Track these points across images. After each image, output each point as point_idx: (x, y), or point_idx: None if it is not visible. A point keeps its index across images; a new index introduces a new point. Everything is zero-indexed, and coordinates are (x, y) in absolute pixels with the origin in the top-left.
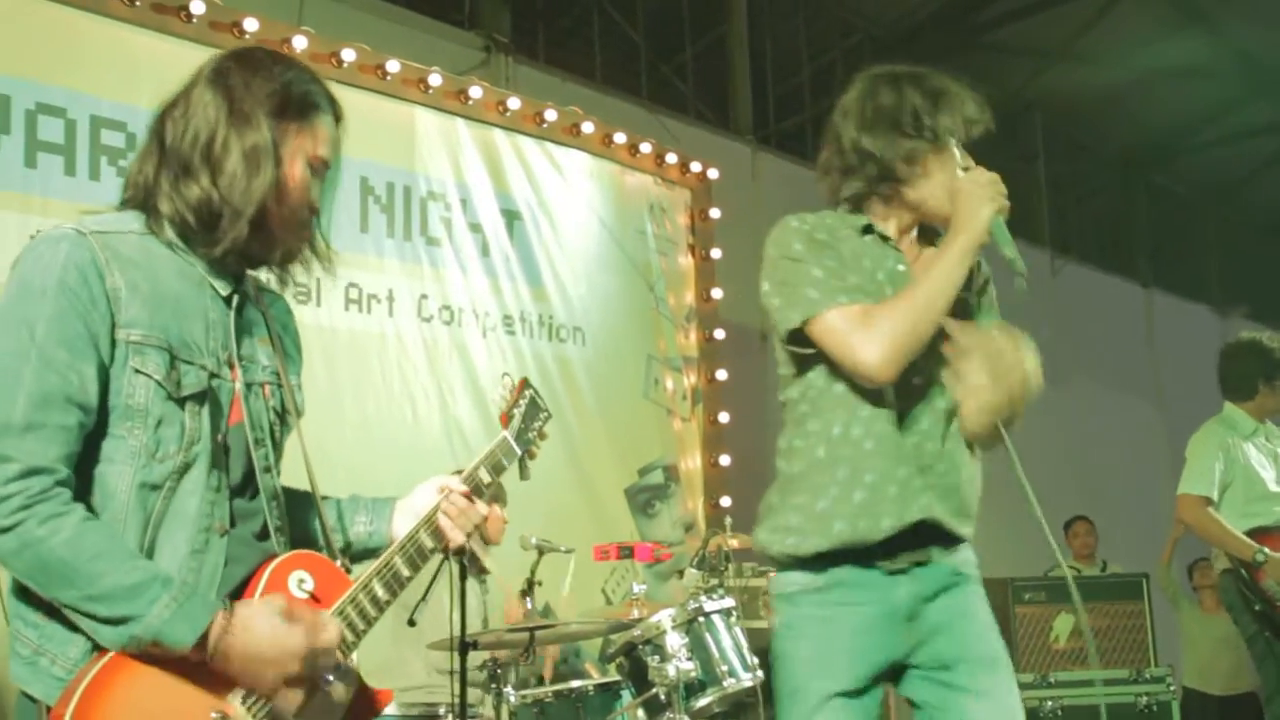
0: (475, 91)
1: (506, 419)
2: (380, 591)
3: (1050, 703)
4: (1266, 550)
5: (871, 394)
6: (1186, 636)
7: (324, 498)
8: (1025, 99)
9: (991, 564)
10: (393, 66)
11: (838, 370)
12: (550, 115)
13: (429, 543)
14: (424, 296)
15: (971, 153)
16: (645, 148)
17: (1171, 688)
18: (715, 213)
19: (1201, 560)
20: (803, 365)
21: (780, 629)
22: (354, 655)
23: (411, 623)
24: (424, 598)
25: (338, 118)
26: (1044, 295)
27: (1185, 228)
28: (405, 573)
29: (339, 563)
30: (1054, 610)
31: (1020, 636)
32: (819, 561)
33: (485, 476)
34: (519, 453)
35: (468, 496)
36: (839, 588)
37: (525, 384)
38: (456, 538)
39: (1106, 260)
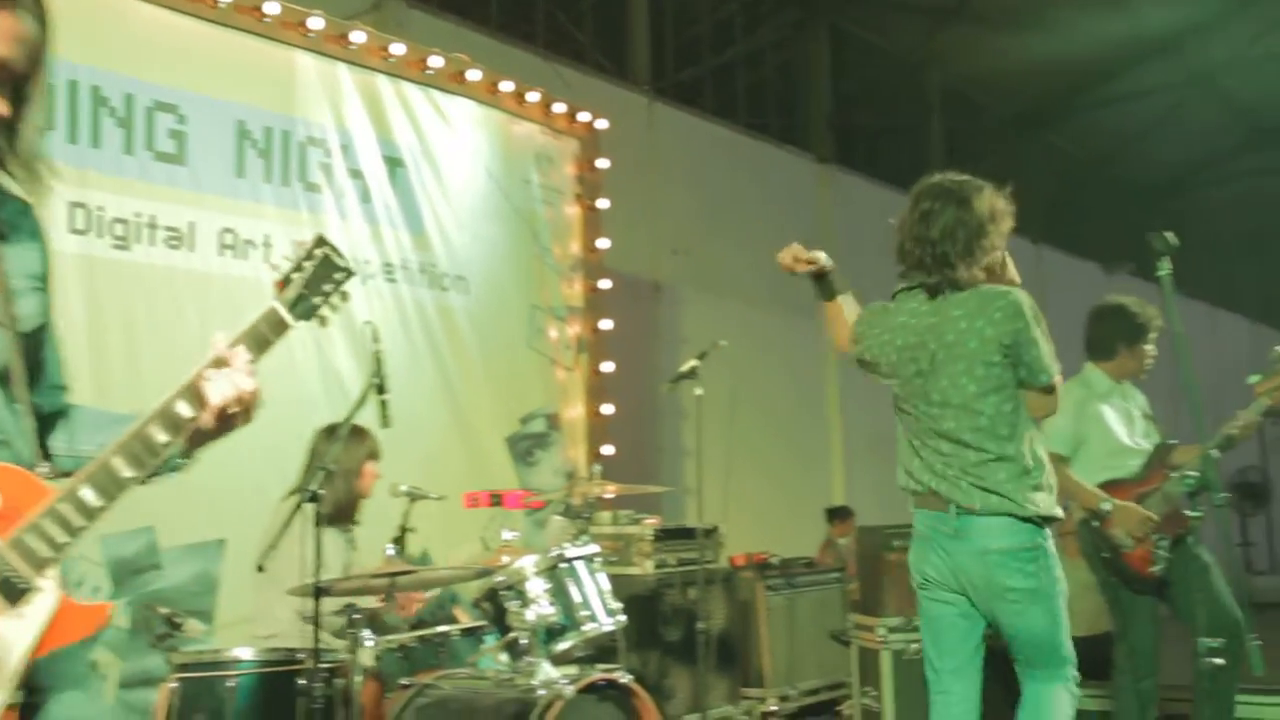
0: (358, 36)
1: (283, 284)
2: (90, 496)
3: (916, 644)
4: (1114, 500)
5: None
6: None
7: None
8: (922, 55)
9: (864, 513)
10: (271, 8)
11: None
12: (435, 62)
13: (186, 411)
14: (302, 243)
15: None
16: (533, 96)
17: None
18: (603, 163)
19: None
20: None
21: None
22: (53, 570)
23: (260, 568)
24: (274, 544)
25: (34, 12)
26: None
27: (1075, 186)
28: (129, 471)
29: (41, 471)
30: None
31: (889, 581)
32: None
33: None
34: (291, 324)
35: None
36: None
37: (320, 241)
38: (217, 397)
39: None
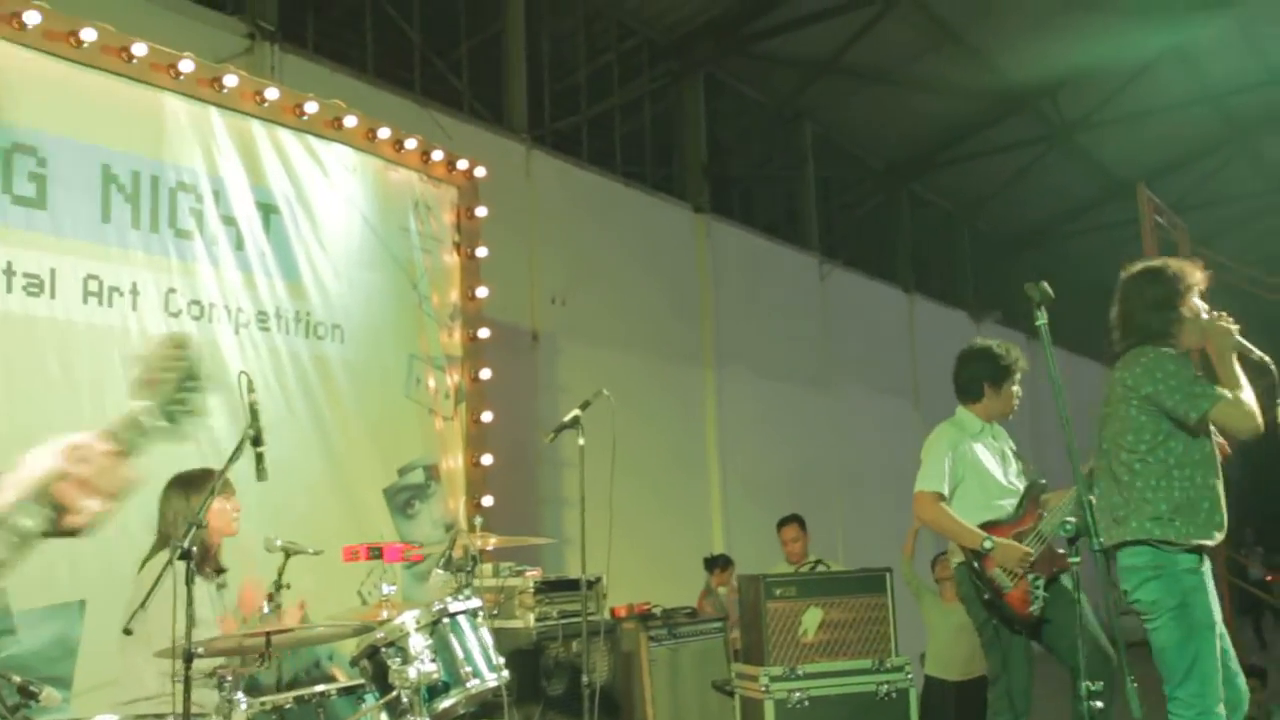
0: (230, 80)
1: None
2: None
3: (799, 694)
4: (994, 538)
5: None
6: (928, 626)
7: None
8: (796, 107)
9: (743, 561)
10: (139, 49)
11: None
12: (311, 107)
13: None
14: (171, 290)
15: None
16: (410, 143)
17: (910, 676)
18: (482, 211)
19: (941, 555)
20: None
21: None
22: None
23: (127, 631)
24: (142, 604)
25: None
26: (812, 299)
27: (944, 237)
28: None
29: None
30: (803, 605)
31: (771, 631)
32: None
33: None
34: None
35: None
36: None
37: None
38: (89, 506)
39: (872, 266)
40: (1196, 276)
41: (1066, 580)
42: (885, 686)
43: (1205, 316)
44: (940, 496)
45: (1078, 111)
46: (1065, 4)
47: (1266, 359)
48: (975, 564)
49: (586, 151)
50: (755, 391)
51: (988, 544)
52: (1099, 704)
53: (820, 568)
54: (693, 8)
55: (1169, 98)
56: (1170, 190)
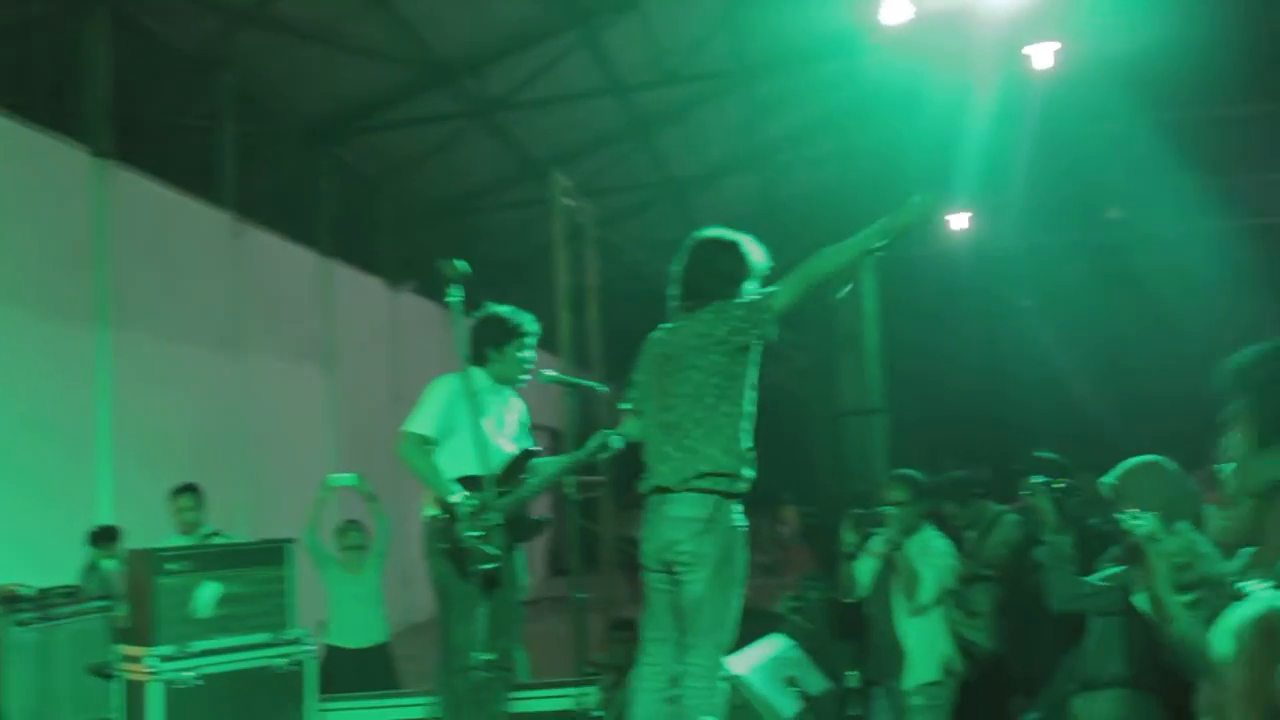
0: None
1: None
2: None
3: (190, 672)
4: (467, 494)
5: None
6: (331, 597)
7: None
8: (216, 55)
9: (140, 536)
10: None
11: None
12: None
13: None
14: None
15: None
16: None
17: (309, 647)
18: None
19: (349, 523)
20: None
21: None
22: None
23: None
24: None
25: None
26: (225, 258)
27: (364, 203)
28: None
29: None
30: (197, 579)
31: (161, 607)
32: None
33: None
34: None
35: None
36: None
37: None
38: None
39: (290, 228)
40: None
41: (521, 555)
42: (284, 659)
43: None
44: (425, 440)
45: (499, 90)
46: None
47: None
48: (444, 516)
49: None
50: (157, 353)
51: (456, 498)
52: (489, 673)
53: (218, 539)
54: None
55: (580, 87)
56: (579, 174)
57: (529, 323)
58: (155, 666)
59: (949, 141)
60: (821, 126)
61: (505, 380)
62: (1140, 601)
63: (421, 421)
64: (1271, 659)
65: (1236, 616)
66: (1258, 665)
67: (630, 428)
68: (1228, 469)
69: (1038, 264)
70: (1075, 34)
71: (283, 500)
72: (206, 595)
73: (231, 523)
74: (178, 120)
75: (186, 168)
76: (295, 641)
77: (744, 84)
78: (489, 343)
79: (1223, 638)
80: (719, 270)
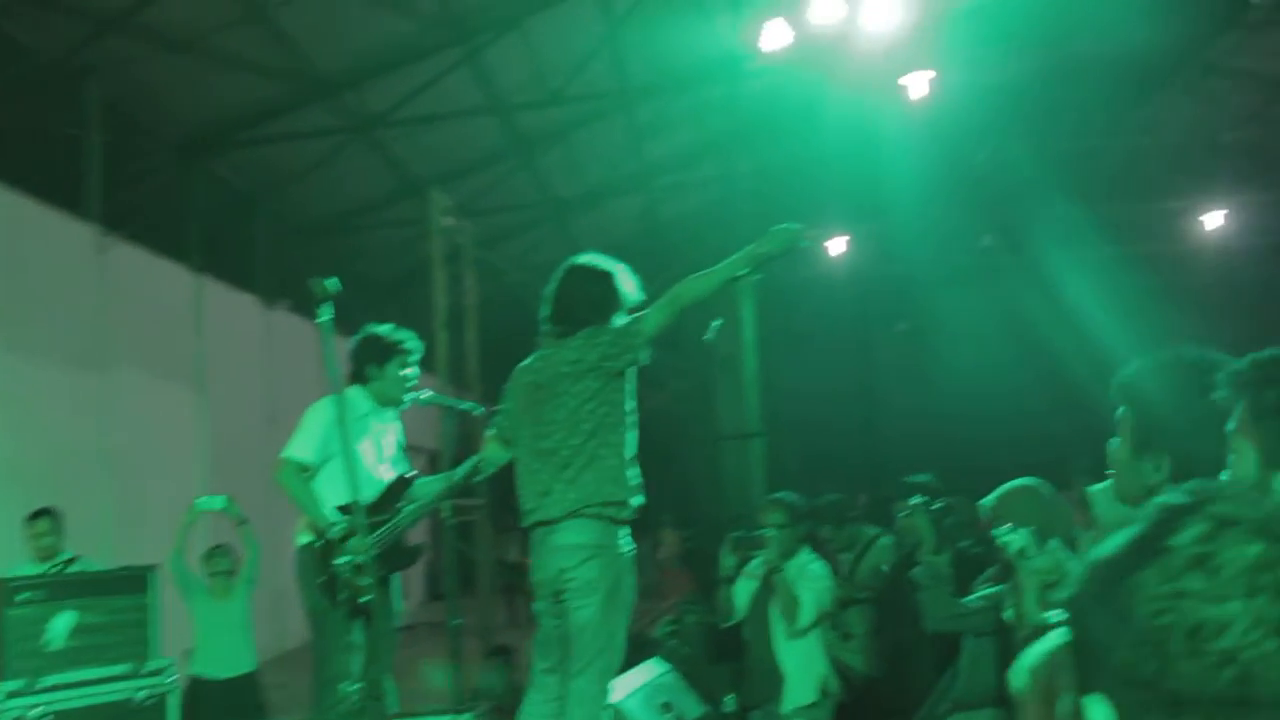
0: None
1: None
2: None
3: (39, 708)
4: (343, 522)
5: None
6: (198, 624)
7: None
8: (83, 63)
9: None
10: None
11: None
12: None
13: None
14: None
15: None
16: None
17: (171, 679)
18: None
19: (217, 547)
20: None
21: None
22: None
23: None
24: None
25: None
26: (89, 273)
27: (239, 218)
28: None
29: None
30: (52, 609)
31: (11, 640)
32: None
33: None
34: None
35: None
36: None
37: None
38: None
39: (160, 243)
40: None
41: (396, 581)
42: (144, 691)
43: None
44: (304, 467)
45: (380, 107)
46: (371, 3)
47: None
48: (320, 545)
49: None
50: (12, 370)
51: (335, 529)
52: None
53: (76, 566)
54: None
55: (462, 105)
56: (460, 193)
57: (410, 340)
58: (1, 704)
59: (828, 166)
60: (703, 150)
61: (387, 400)
62: (1009, 616)
63: (300, 447)
64: (1054, 694)
65: (1032, 654)
66: (1043, 700)
67: (493, 451)
68: (1095, 490)
69: (914, 289)
70: (950, 63)
71: (149, 524)
72: (60, 626)
73: (94, 548)
74: (40, 129)
75: (50, 179)
76: (157, 673)
77: (626, 106)
78: (370, 361)
79: (1019, 674)
80: (590, 298)
